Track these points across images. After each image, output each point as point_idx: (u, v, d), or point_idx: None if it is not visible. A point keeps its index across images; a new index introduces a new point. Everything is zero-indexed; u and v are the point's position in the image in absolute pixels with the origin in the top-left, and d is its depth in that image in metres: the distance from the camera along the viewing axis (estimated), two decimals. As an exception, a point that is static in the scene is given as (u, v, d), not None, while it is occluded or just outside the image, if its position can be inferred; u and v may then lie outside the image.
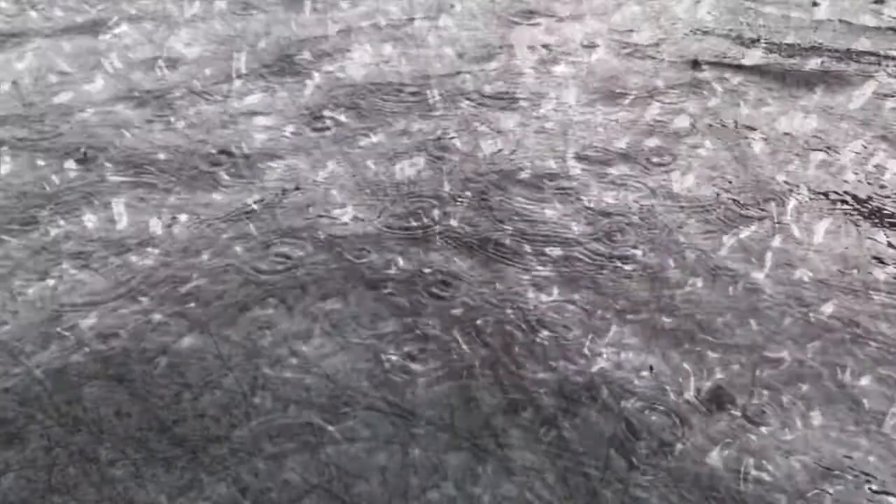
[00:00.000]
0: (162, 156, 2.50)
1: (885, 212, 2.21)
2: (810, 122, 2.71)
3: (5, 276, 1.97)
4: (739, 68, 3.14)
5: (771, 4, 3.86)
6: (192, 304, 1.87)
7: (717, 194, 2.30)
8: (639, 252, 2.04)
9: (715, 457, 1.49)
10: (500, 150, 2.52)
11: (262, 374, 1.68)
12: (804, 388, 1.64)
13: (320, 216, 2.20)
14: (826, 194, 2.30)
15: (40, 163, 2.47)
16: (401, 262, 2.01)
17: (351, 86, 2.99)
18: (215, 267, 2.01)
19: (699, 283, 1.93)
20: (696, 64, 3.11)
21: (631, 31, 3.54)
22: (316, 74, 3.09)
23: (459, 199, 2.26)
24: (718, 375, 1.67)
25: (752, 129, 2.66)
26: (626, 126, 2.69)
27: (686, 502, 1.41)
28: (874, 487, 1.43)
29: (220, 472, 1.47)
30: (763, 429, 1.54)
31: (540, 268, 1.99)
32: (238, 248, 2.07)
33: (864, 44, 3.35)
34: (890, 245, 2.08)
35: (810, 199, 2.27)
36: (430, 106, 2.80)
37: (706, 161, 2.47)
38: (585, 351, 1.73)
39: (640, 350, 1.73)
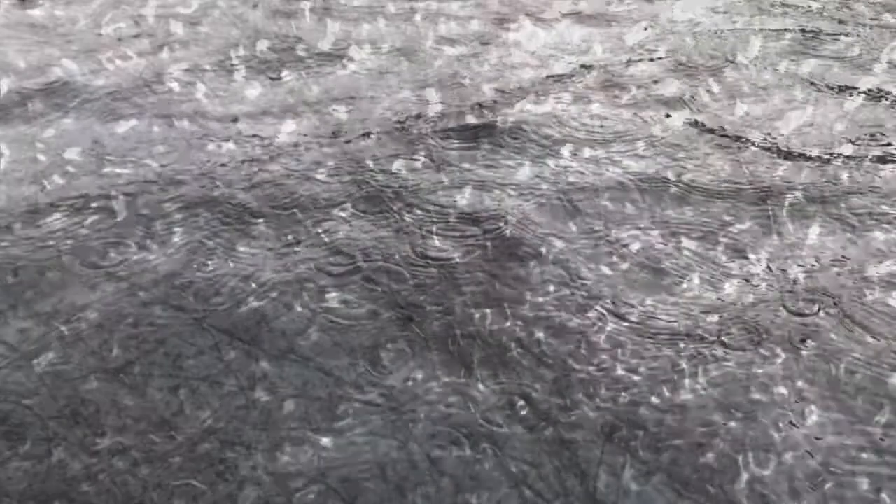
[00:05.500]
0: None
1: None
2: None
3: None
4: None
5: None
6: (192, 300, 1.88)
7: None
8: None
9: (710, 453, 1.49)
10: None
11: (261, 368, 1.69)
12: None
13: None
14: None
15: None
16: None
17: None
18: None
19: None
20: None
21: None
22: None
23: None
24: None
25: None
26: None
27: (682, 498, 1.42)
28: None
29: (218, 467, 1.48)
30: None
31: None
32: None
33: None
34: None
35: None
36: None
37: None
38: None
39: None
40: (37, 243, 2.08)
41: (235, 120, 2.70)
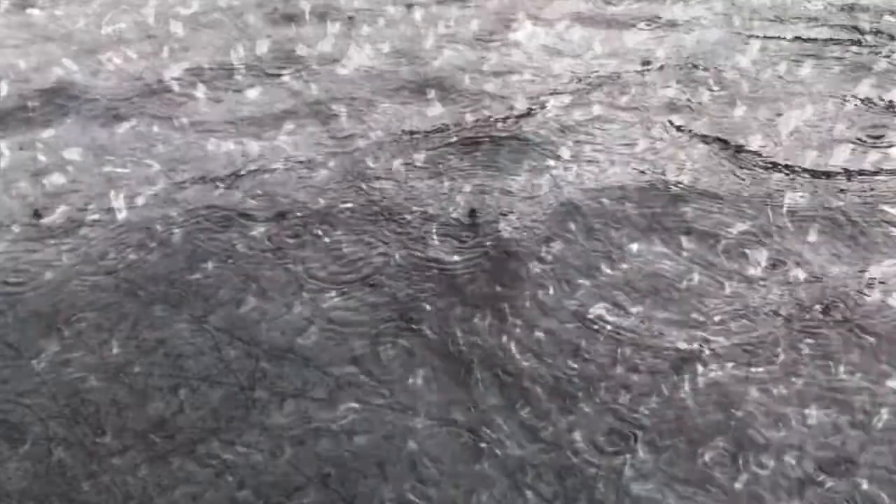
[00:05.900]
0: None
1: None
2: None
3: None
4: None
5: None
6: (191, 300, 1.88)
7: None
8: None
9: (709, 453, 1.49)
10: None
11: (261, 368, 1.69)
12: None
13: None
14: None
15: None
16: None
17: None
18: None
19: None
20: None
21: None
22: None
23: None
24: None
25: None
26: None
27: (682, 497, 1.42)
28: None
29: (217, 466, 1.48)
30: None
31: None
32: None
33: None
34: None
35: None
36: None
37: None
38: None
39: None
40: (37, 243, 2.08)
41: (235, 121, 2.71)
